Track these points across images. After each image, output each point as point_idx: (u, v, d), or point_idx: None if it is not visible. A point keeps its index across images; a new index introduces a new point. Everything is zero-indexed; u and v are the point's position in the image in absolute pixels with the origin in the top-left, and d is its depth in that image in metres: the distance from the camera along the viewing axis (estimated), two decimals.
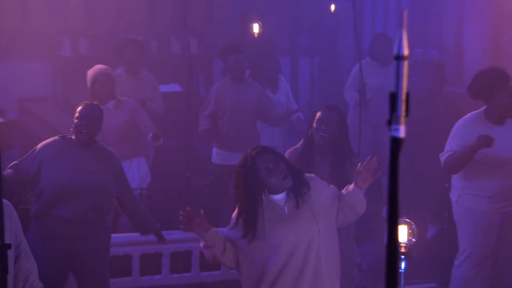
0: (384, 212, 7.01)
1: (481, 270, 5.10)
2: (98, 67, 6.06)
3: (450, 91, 7.13)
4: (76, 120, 4.39)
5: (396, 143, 1.09)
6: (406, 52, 1.09)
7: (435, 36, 8.08)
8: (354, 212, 3.70)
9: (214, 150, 6.42)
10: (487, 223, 5.00)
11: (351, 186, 3.67)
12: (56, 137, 4.56)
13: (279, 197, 3.70)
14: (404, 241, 3.42)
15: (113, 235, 5.25)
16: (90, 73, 5.89)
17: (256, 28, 7.25)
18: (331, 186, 3.85)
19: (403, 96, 1.09)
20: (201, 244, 3.74)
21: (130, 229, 5.56)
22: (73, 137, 4.44)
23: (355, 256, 5.32)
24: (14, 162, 4.40)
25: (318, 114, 4.73)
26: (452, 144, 4.96)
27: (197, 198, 5.85)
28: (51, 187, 4.43)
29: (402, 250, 3.39)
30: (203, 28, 8.29)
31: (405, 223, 3.46)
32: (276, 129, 6.87)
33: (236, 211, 3.79)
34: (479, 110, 4.93)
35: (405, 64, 1.09)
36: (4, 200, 3.17)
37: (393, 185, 1.12)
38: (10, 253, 3.32)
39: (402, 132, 1.10)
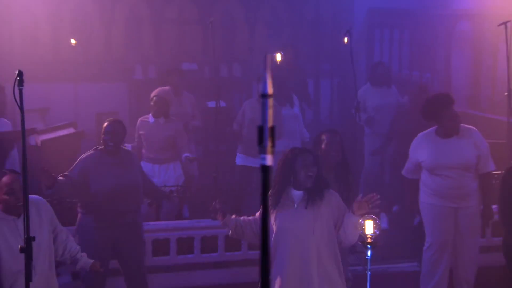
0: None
1: (443, 253, 5.43)
2: (157, 89, 6.99)
3: None
4: (103, 135, 4.94)
5: (265, 170, 1.14)
6: (270, 91, 1.14)
7: (429, 62, 8.92)
8: (345, 237, 3.91)
9: (238, 154, 7.05)
10: (443, 216, 5.33)
11: (347, 214, 3.94)
12: (91, 151, 5.07)
13: (297, 193, 4.02)
14: (370, 234, 3.68)
15: (155, 222, 6.02)
16: (151, 93, 6.80)
17: (278, 57, 7.95)
18: (343, 207, 4.08)
19: (269, 128, 1.14)
20: (223, 225, 4.29)
21: (168, 218, 6.27)
22: (102, 147, 5.00)
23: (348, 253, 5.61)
24: (64, 173, 4.86)
25: (325, 138, 5.10)
26: (410, 157, 5.47)
27: (223, 193, 6.19)
28: (99, 189, 4.90)
29: (369, 240, 3.68)
30: (246, 56, 9.43)
31: (371, 218, 3.73)
32: None
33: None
34: (432, 128, 5.34)
35: (270, 101, 1.14)
36: (34, 197, 3.99)
37: (265, 215, 1.17)
38: (49, 236, 4.03)
39: (269, 161, 1.14)
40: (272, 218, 4.07)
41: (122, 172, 5.10)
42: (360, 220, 3.75)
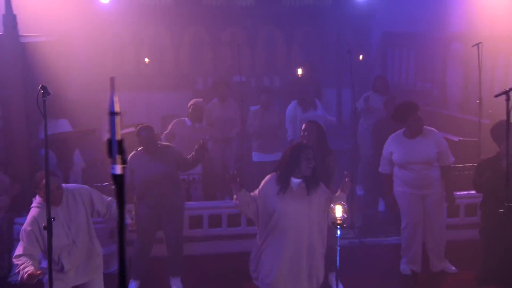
0: (357, 189, 8.34)
1: (416, 231, 5.82)
2: (194, 100, 7.57)
3: (437, 111, 8.98)
4: (140, 138, 5.48)
5: (117, 179, 1.19)
6: (117, 109, 1.23)
7: (430, 74, 9.92)
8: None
9: (253, 153, 7.50)
10: (413, 202, 5.71)
11: (338, 193, 4.39)
12: (134, 151, 5.55)
13: (296, 181, 4.29)
14: (339, 216, 3.97)
15: (191, 202, 6.56)
16: (189, 102, 7.36)
17: (299, 71, 8.78)
18: (330, 194, 4.45)
19: (117, 143, 1.23)
20: (234, 198, 4.44)
21: (200, 199, 6.89)
22: (141, 148, 5.48)
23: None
24: None
25: (304, 127, 5.66)
26: (383, 156, 5.84)
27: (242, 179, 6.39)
28: (142, 181, 5.45)
29: (338, 222, 3.96)
30: (284, 70, 10.76)
31: (340, 204, 4.05)
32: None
33: (268, 178, 4.49)
34: (400, 130, 5.68)
35: (117, 119, 1.26)
36: (72, 186, 4.52)
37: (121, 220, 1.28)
38: (87, 216, 4.42)
39: (119, 170, 1.22)
40: (272, 199, 4.36)
41: (158, 165, 5.58)
42: (332, 205, 4.19)
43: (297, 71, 8.86)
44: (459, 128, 8.30)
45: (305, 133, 5.44)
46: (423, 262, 5.81)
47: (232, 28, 11.18)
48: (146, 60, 10.64)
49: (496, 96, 4.16)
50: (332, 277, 5.72)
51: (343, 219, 4.06)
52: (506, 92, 3.97)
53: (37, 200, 4.32)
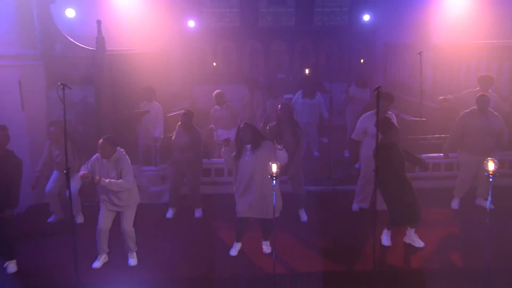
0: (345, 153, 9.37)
1: (367, 183, 6.77)
2: (216, 91, 8.53)
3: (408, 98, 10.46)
4: (179, 122, 6.76)
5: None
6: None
7: (415, 73, 10.41)
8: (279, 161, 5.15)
9: None
10: (369, 160, 6.48)
11: (279, 149, 5.46)
12: (177, 126, 6.87)
13: (248, 146, 5.66)
14: (275, 171, 4.88)
15: (205, 160, 7.59)
16: (213, 92, 8.46)
17: (307, 71, 10.39)
18: (272, 147, 5.52)
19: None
20: (222, 150, 5.76)
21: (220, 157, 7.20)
22: (179, 124, 6.75)
23: (301, 177, 6.97)
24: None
25: (280, 108, 6.70)
26: (358, 127, 6.80)
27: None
28: (175, 146, 6.85)
29: (274, 175, 4.87)
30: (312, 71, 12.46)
31: (275, 163, 4.92)
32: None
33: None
34: (372, 110, 6.41)
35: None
36: (120, 150, 5.55)
37: None
38: (117, 172, 5.45)
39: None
40: (237, 158, 5.68)
41: (189, 138, 6.92)
42: (270, 162, 4.95)
43: (305, 71, 10.74)
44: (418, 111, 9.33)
45: (281, 110, 6.73)
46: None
47: (277, 41, 13.36)
48: (214, 64, 13.06)
49: (374, 90, 4.86)
50: (300, 212, 7.01)
51: (277, 173, 4.90)
52: (376, 88, 4.69)
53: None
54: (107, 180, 5.42)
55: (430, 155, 7.93)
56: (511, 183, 7.49)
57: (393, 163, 5.74)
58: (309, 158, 9.27)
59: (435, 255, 5.96)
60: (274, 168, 4.79)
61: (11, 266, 5.74)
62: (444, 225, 6.73)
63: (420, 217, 6.04)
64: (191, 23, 12.48)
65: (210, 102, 9.15)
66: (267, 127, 6.69)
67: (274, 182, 4.85)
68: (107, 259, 5.86)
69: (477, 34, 9.79)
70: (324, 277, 5.48)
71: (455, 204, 7.22)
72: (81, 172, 5.37)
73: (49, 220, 7.14)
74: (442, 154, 7.33)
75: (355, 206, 7.26)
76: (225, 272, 5.62)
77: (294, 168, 6.74)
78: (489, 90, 7.51)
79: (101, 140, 5.48)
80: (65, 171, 4.82)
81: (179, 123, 6.98)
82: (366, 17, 12.29)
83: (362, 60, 11.84)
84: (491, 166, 5.27)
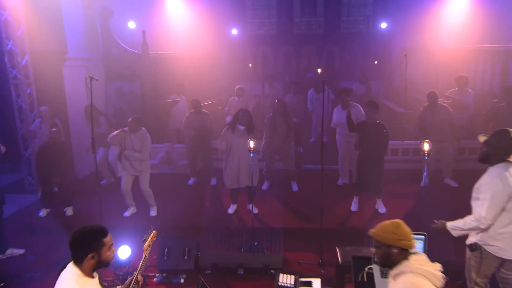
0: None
1: (344, 162, 7.82)
2: (238, 86, 9.63)
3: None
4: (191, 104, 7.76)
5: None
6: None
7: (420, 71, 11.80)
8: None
9: None
10: (346, 147, 7.70)
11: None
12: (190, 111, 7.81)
13: (241, 128, 6.54)
14: (252, 146, 5.69)
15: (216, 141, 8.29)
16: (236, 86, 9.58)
17: (319, 71, 11.39)
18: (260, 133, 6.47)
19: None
20: (218, 141, 7.01)
21: None
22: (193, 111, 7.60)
23: (292, 156, 7.93)
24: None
25: (276, 103, 7.56)
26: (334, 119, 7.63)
27: None
28: (191, 129, 7.72)
29: (252, 149, 5.68)
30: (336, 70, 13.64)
31: (253, 139, 5.71)
32: None
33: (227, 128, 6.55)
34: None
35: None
36: (143, 129, 6.66)
37: None
38: (140, 147, 6.53)
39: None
40: (230, 137, 6.53)
41: (201, 120, 7.92)
42: (249, 139, 5.81)
43: (317, 70, 11.75)
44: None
45: (276, 104, 7.60)
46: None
47: (308, 46, 14.07)
48: (250, 64, 13.86)
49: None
50: (292, 183, 7.91)
51: (254, 148, 5.68)
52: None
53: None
54: (129, 152, 6.71)
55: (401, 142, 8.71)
56: (471, 167, 8.00)
57: (364, 143, 6.66)
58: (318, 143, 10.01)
59: (386, 218, 6.76)
60: (252, 144, 5.63)
61: (69, 211, 7.40)
62: (409, 198, 7.43)
63: (379, 188, 6.84)
64: (234, 31, 13.56)
65: (245, 95, 10.08)
66: (265, 118, 7.60)
67: (252, 155, 5.69)
68: (135, 210, 7.21)
69: (475, 38, 10.30)
70: (285, 231, 6.51)
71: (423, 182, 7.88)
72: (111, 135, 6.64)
73: (102, 182, 8.63)
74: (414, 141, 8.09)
75: (340, 181, 8.18)
76: (223, 224, 6.81)
77: (286, 150, 7.70)
78: (466, 88, 8.25)
79: (130, 119, 6.61)
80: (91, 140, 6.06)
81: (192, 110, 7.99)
82: (384, 25, 12.86)
83: (376, 62, 12.45)
84: (426, 146, 5.99)
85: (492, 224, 3.86)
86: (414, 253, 3.06)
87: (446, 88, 10.54)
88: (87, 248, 2.92)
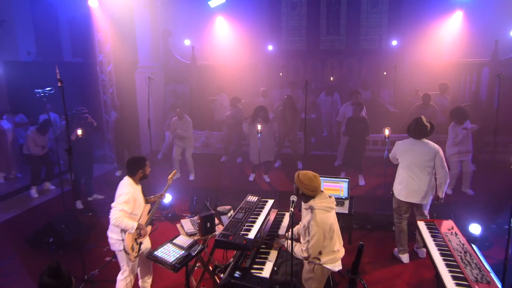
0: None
1: (342, 147, 8.93)
2: (262, 88, 11.15)
3: None
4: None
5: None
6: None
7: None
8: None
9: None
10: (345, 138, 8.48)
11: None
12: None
13: (260, 119, 7.79)
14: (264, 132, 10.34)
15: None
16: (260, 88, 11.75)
17: (331, 79, 12.23)
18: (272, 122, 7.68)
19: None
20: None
21: None
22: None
23: (297, 141, 9.14)
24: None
25: (285, 98, 8.69)
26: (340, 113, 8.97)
27: None
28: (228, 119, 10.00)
29: (259, 131, 7.74)
30: (354, 79, 14.99)
31: (261, 124, 8.35)
32: None
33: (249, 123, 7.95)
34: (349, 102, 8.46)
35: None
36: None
37: None
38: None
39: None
40: (251, 127, 7.92)
41: (236, 114, 9.25)
42: (256, 124, 7.76)
43: (330, 78, 12.85)
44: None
45: (285, 99, 8.75)
46: None
47: (332, 59, 14.87)
48: (280, 74, 14.47)
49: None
50: (298, 163, 9.25)
51: (263, 131, 7.16)
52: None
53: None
54: (179, 131, 8.78)
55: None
56: None
57: (351, 132, 8.11)
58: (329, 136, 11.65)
59: (364, 189, 8.43)
60: (259, 127, 7.45)
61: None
62: (383, 176, 8.54)
63: (361, 166, 8.37)
64: (270, 47, 14.90)
65: (275, 98, 11.85)
66: (277, 110, 9.29)
67: (259, 135, 7.49)
68: (179, 175, 9.19)
69: (459, 53, 11.51)
70: (281, 193, 8.20)
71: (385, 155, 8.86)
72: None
73: (158, 157, 11.00)
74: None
75: (336, 163, 9.55)
76: (243, 187, 8.47)
77: (293, 135, 9.02)
78: (445, 94, 9.48)
79: (177, 109, 8.75)
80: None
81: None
82: (394, 42, 13.93)
83: (385, 73, 13.57)
84: (386, 132, 7.68)
85: None
86: (323, 192, 3.79)
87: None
88: (138, 167, 4.53)
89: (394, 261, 5.85)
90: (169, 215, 7.42)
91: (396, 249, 5.88)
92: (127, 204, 4.36)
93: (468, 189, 7.84)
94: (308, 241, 3.81)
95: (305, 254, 3.87)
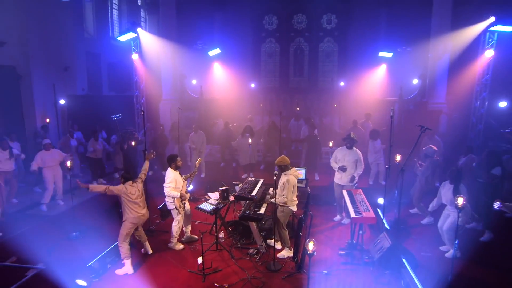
0: None
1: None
2: (250, 115, 13.75)
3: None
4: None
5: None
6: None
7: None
8: None
9: None
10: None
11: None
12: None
13: (247, 134, 10.16)
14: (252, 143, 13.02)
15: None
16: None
17: (298, 109, 14.32)
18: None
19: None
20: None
21: None
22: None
23: None
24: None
25: (270, 121, 11.48)
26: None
27: None
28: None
29: (249, 143, 12.55)
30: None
31: (251, 138, 11.48)
32: None
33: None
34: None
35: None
36: (201, 133, 10.95)
37: None
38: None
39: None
40: (241, 139, 10.00)
41: (228, 133, 10.98)
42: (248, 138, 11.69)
43: (297, 108, 14.89)
44: None
45: (270, 122, 11.69)
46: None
47: (298, 94, 16.65)
48: (261, 104, 16.43)
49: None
50: (275, 168, 9.87)
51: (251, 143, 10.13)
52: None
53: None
54: (193, 146, 11.26)
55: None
56: None
57: (308, 145, 10.67)
58: (296, 150, 14.16)
59: (319, 184, 11.37)
60: (249, 140, 10.33)
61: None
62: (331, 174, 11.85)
63: (316, 166, 11.37)
64: (253, 85, 17.05)
65: (257, 122, 13.95)
66: (264, 130, 12.03)
67: (250, 146, 10.43)
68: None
69: (381, 92, 14.24)
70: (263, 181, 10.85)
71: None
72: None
73: None
74: None
75: (301, 165, 12.60)
76: (238, 180, 10.54)
77: (274, 148, 11.60)
78: (369, 121, 12.44)
79: (194, 125, 11.00)
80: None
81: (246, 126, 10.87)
82: (342, 83, 16.44)
83: (335, 105, 16.10)
84: (330, 144, 10.67)
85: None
86: (291, 168, 6.13)
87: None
88: (171, 161, 6.23)
89: (331, 219, 8.53)
90: (191, 198, 10.07)
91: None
92: (171, 183, 6.22)
93: (382, 181, 10.24)
94: (284, 194, 6.37)
95: (284, 199, 6.38)
